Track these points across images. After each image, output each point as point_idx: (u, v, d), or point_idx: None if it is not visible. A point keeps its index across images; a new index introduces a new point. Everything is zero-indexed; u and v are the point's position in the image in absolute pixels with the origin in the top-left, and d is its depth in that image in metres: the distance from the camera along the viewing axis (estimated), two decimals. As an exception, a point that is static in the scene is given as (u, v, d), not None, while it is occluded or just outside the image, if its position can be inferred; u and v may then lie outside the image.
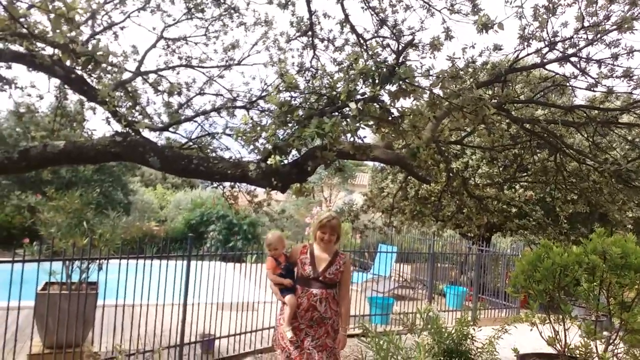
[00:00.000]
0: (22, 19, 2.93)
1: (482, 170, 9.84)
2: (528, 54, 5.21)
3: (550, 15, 4.06)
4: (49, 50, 4.32)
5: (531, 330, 4.47)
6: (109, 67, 4.08)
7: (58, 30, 2.12)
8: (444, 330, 4.55)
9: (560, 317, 4.42)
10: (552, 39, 4.90)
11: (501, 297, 10.08)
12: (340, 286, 3.72)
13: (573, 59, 5.11)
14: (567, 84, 5.66)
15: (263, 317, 7.10)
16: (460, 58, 4.42)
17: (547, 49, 5.05)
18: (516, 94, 5.72)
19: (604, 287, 4.28)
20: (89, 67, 2.34)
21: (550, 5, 3.70)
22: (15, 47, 4.27)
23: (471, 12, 4.70)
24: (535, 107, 6.69)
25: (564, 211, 7.92)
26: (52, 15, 1.93)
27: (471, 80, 4.61)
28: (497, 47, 4.97)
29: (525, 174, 8.31)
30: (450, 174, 5.85)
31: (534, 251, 5.00)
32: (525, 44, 4.97)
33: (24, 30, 3.33)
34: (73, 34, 2.27)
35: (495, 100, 5.02)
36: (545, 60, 5.22)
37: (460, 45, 4.86)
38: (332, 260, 3.67)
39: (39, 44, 4.24)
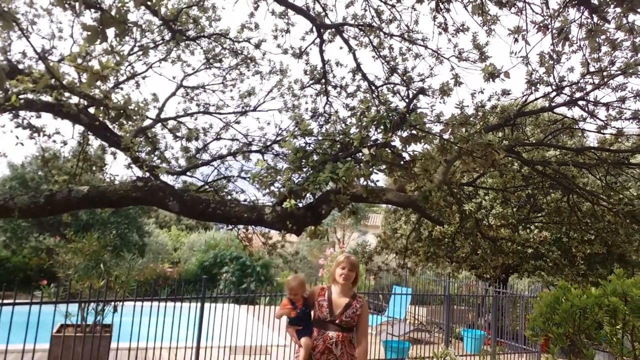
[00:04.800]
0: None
1: (495, 210, 9.80)
2: (536, 98, 5.33)
3: (556, 62, 4.20)
4: (74, 99, 4.57)
5: (552, 376, 4.34)
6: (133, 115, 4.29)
7: (92, 87, 2.29)
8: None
9: (582, 362, 4.30)
10: (559, 83, 5.03)
11: (520, 341, 9.79)
12: (358, 329, 3.68)
13: (581, 102, 5.21)
14: (576, 127, 5.73)
15: (276, 361, 7.00)
16: (468, 106, 4.55)
17: (554, 93, 5.17)
18: (526, 137, 5.81)
19: (628, 330, 4.17)
20: (121, 120, 2.50)
21: (554, 54, 3.84)
22: (45, 98, 4.52)
23: (479, 59, 4.90)
24: (546, 149, 6.75)
25: (580, 252, 7.80)
26: (85, 74, 2.09)
27: (481, 124, 4.71)
28: (505, 92, 5.10)
29: (539, 214, 8.27)
30: (463, 215, 5.88)
31: (552, 293, 4.93)
32: (533, 88, 5.09)
33: (54, 82, 3.55)
34: (104, 88, 2.43)
35: (506, 143, 5.10)
36: (553, 104, 5.33)
37: (470, 89, 5.02)
38: (349, 303, 3.65)
39: (66, 94, 4.49)
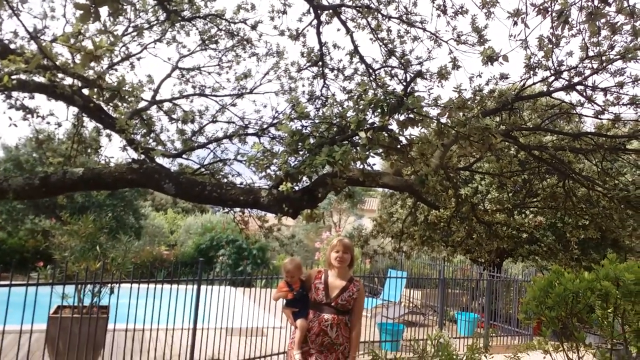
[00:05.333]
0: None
1: (491, 195, 9.84)
2: (534, 83, 5.30)
3: (554, 46, 4.16)
4: (68, 80, 4.51)
5: (544, 357, 4.42)
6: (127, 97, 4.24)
7: (85, 67, 2.25)
8: (455, 357, 4.51)
9: (574, 344, 4.37)
10: (558, 68, 5.00)
11: (513, 324, 9.93)
12: (353, 313, 3.71)
13: (579, 87, 5.19)
14: (574, 112, 5.72)
15: (272, 342, 7.08)
16: (466, 89, 4.51)
17: (553, 77, 5.14)
18: (523, 122, 5.79)
19: (619, 314, 4.23)
20: (115, 101, 2.47)
21: (554, 38, 3.80)
22: (38, 78, 4.46)
23: (477, 42, 4.85)
24: (543, 134, 6.74)
25: (574, 237, 7.87)
26: (78, 55, 2.05)
27: (478, 108, 4.69)
28: (503, 76, 5.07)
29: (535, 199, 8.31)
30: (459, 200, 5.89)
31: (545, 277, 4.98)
32: (532, 72, 5.06)
33: (47, 62, 3.50)
34: (98, 69, 2.40)
35: (503, 128, 5.09)
36: (551, 89, 5.30)
37: (468, 73, 4.99)
38: (345, 286, 3.67)
39: (60, 75, 4.43)
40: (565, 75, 5.08)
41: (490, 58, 3.49)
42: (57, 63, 3.69)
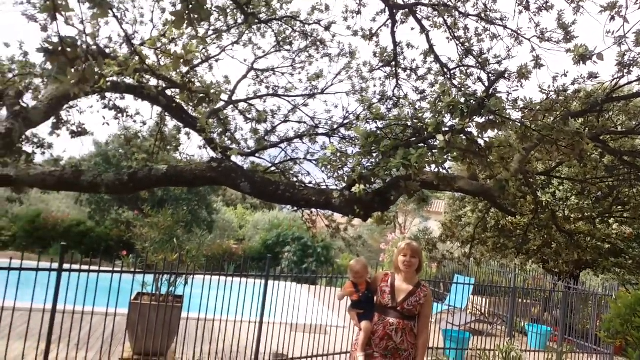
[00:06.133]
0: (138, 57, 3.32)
1: (570, 202, 9.22)
2: (629, 82, 4.88)
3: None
4: (153, 82, 4.81)
5: (631, 381, 4.08)
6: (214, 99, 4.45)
7: (176, 70, 2.39)
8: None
9: (666, 370, 3.99)
10: (657, 65, 4.57)
11: (591, 341, 9.24)
12: (420, 319, 3.63)
13: (681, 86, 4.72)
14: (674, 114, 5.21)
15: (335, 341, 7.11)
16: (550, 89, 4.24)
17: (650, 76, 4.71)
18: (613, 124, 5.36)
19: None
20: (204, 104, 2.60)
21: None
22: (128, 80, 4.79)
23: (563, 39, 4.55)
24: (636, 137, 6.19)
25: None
26: (168, 58, 2.18)
27: (562, 109, 4.40)
28: (592, 75, 4.71)
29: (621, 208, 7.67)
30: (539, 207, 5.57)
31: (633, 293, 4.59)
32: (625, 71, 4.67)
33: (139, 65, 3.75)
34: (186, 71, 2.53)
35: (592, 131, 4.73)
36: (647, 89, 4.87)
37: (551, 72, 4.69)
38: (412, 291, 3.60)
39: (146, 76, 4.73)
40: (665, 74, 4.63)
41: (582, 57, 3.25)
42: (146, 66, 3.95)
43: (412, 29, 5.62)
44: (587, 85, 5.17)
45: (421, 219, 25.14)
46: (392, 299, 3.60)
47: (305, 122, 6.79)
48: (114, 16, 2.44)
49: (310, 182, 6.04)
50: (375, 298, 3.78)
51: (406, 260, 3.57)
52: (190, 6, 1.77)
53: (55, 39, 1.75)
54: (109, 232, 16.31)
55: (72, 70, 1.69)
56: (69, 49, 1.73)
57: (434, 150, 3.08)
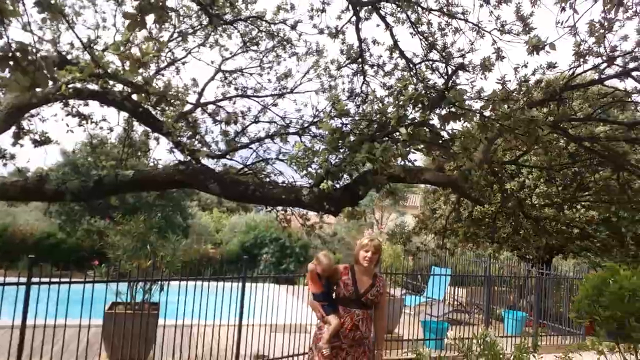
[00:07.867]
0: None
1: (539, 189, 9.48)
2: (585, 71, 5.06)
3: (607, 31, 3.95)
4: (118, 87, 4.73)
5: (598, 358, 4.23)
6: (173, 101, 4.41)
7: (134, 74, 2.36)
8: (501, 356, 4.40)
9: (632, 345, 4.16)
10: (611, 54, 4.75)
11: (564, 323, 9.53)
12: (379, 307, 3.85)
13: (634, 73, 4.91)
14: (629, 100, 5.43)
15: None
16: (511, 81, 4.36)
17: (605, 64, 4.89)
18: (573, 112, 5.54)
19: (680, 314, 4.00)
20: (162, 105, 2.58)
21: (606, 22, 3.61)
22: (92, 86, 4.70)
23: (522, 31, 4.68)
24: (595, 124, 6.42)
25: (630, 232, 7.45)
26: (127, 62, 2.16)
27: (524, 100, 4.53)
28: (551, 66, 4.85)
29: (586, 193, 7.93)
30: (505, 195, 5.71)
31: (599, 274, 4.76)
32: (582, 60, 4.83)
33: (100, 71, 3.68)
34: (146, 75, 2.50)
35: (551, 119, 4.89)
36: (603, 76, 5.05)
37: (513, 64, 4.83)
38: (373, 282, 3.78)
39: (111, 82, 4.65)
40: (619, 61, 4.82)
41: (535, 47, 3.36)
42: (109, 71, 3.88)
43: (377, 25, 5.69)
44: (549, 75, 5.33)
45: (397, 214, 25.41)
46: (355, 291, 3.74)
47: (275, 122, 6.80)
48: (66, 21, 2.39)
49: (283, 182, 6.04)
50: (336, 291, 3.84)
51: (367, 256, 3.74)
52: (141, 7, 1.75)
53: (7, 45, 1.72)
54: (81, 243, 15.91)
55: (22, 76, 1.65)
56: (18, 54, 1.70)
57: (398, 144, 3.13)
